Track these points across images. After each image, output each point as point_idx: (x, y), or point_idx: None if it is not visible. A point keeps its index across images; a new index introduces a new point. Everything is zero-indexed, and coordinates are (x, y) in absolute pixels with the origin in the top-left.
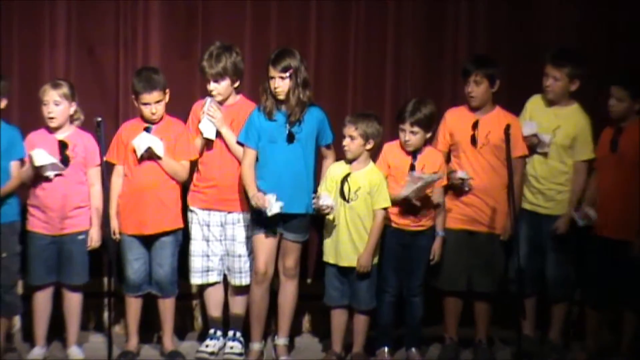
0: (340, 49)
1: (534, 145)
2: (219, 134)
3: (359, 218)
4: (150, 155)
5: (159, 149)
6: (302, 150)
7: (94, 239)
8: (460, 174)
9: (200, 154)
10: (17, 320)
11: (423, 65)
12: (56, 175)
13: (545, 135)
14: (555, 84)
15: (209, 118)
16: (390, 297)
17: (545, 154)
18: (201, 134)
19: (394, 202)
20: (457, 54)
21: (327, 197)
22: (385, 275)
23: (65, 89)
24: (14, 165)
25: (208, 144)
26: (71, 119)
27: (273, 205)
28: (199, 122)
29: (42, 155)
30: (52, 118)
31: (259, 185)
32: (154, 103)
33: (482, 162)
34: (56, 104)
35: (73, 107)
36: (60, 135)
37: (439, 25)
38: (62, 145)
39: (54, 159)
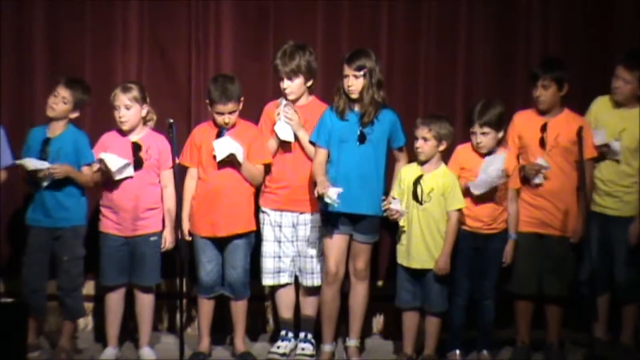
0: (411, 50)
1: (604, 154)
2: (295, 136)
3: (432, 220)
4: (231, 161)
5: (240, 155)
6: (373, 151)
7: (168, 241)
8: (540, 160)
9: (273, 156)
10: (89, 321)
11: (494, 67)
12: (126, 178)
13: (615, 143)
14: (625, 87)
15: (286, 120)
16: (462, 300)
17: (617, 161)
18: (276, 135)
19: (466, 194)
20: (529, 55)
21: (397, 202)
22: (458, 279)
23: (135, 92)
24: (84, 169)
25: (284, 145)
26: (144, 120)
27: (330, 190)
28: (273, 124)
29: (114, 160)
30: (123, 122)
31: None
32: (227, 113)
33: (551, 164)
34: (127, 107)
35: (145, 109)
36: (133, 137)
37: (511, 27)
38: (136, 147)
39: (125, 160)
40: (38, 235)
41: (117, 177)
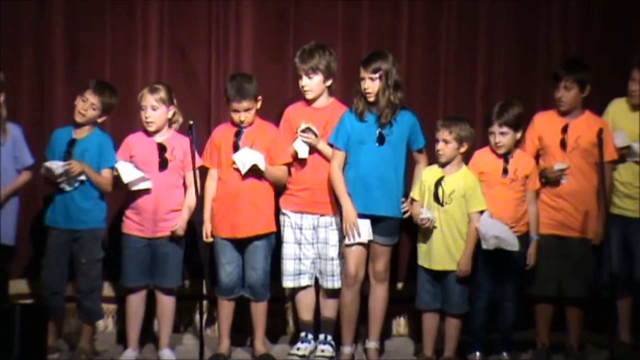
0: (431, 51)
1: (624, 156)
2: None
3: (453, 222)
4: (255, 171)
5: (262, 164)
6: (392, 152)
7: (180, 226)
8: (558, 165)
9: (294, 157)
10: (109, 323)
11: (514, 68)
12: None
13: (636, 144)
14: None
15: (305, 141)
16: (483, 303)
17: (637, 162)
18: (295, 153)
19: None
20: (549, 56)
21: (427, 211)
22: (479, 281)
23: (162, 93)
24: (104, 172)
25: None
26: (170, 122)
27: (362, 231)
28: (294, 129)
29: (128, 171)
30: (150, 122)
31: (348, 189)
32: (243, 111)
33: (571, 166)
34: (153, 108)
35: (171, 111)
36: (159, 139)
37: (531, 28)
38: (161, 148)
39: (141, 173)
40: (57, 237)
41: (132, 189)
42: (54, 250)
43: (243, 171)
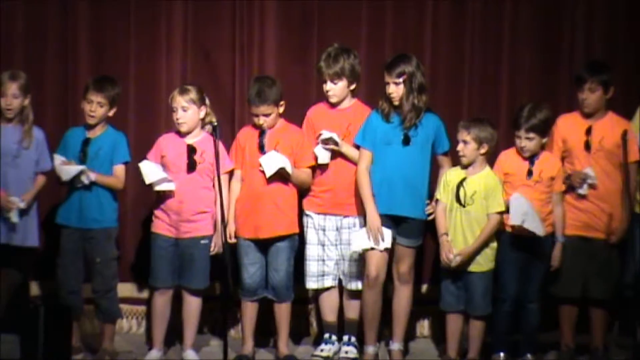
0: (455, 53)
1: None
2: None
3: (475, 223)
4: (281, 174)
5: (288, 167)
6: (417, 154)
7: (218, 245)
8: (588, 170)
9: (315, 162)
10: (133, 323)
11: (539, 70)
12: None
13: None
14: None
15: (326, 149)
16: (508, 306)
17: None
18: (315, 158)
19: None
20: (573, 57)
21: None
22: (503, 283)
23: (193, 94)
24: (117, 168)
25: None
26: (202, 123)
27: (385, 239)
28: (315, 133)
29: (152, 171)
30: (181, 123)
31: (373, 190)
32: (261, 115)
33: (595, 167)
34: (184, 109)
35: (203, 111)
36: (190, 140)
37: (555, 29)
38: (191, 150)
39: (164, 174)
40: (70, 236)
41: (155, 189)
42: (68, 249)
43: (268, 174)
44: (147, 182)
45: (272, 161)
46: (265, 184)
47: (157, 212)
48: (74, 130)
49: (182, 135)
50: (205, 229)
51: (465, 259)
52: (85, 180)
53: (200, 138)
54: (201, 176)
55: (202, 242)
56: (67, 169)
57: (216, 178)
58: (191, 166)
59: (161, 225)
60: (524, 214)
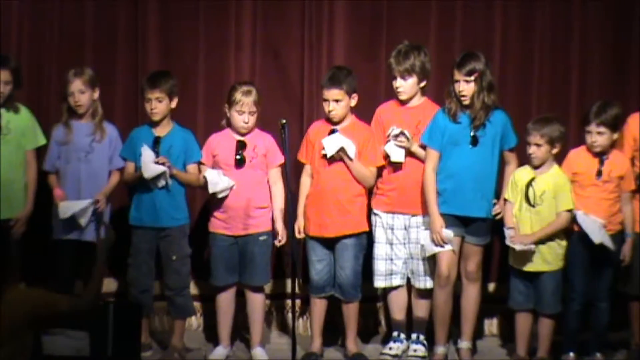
0: (525, 50)
1: None
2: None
3: (545, 222)
4: (341, 157)
5: (351, 150)
6: (485, 154)
7: (283, 236)
8: None
9: (386, 160)
10: (193, 321)
11: (609, 68)
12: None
13: None
14: None
15: (398, 145)
16: (577, 305)
17: None
18: (387, 156)
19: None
20: None
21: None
22: (573, 282)
23: (254, 96)
24: (191, 168)
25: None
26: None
27: (447, 241)
28: (384, 131)
29: (217, 181)
30: (247, 126)
31: (439, 189)
32: (332, 100)
33: None
34: (251, 113)
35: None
36: (238, 136)
37: (626, 26)
38: (240, 145)
39: (229, 183)
40: (143, 236)
41: (219, 197)
42: (140, 249)
43: (329, 153)
44: (211, 191)
45: (334, 141)
46: (333, 182)
47: (214, 211)
48: (140, 129)
49: (232, 132)
50: (263, 224)
51: (527, 245)
52: (162, 182)
53: (251, 134)
54: (256, 172)
55: (261, 238)
56: (155, 167)
57: (277, 172)
58: (240, 161)
59: (219, 224)
60: (600, 229)
